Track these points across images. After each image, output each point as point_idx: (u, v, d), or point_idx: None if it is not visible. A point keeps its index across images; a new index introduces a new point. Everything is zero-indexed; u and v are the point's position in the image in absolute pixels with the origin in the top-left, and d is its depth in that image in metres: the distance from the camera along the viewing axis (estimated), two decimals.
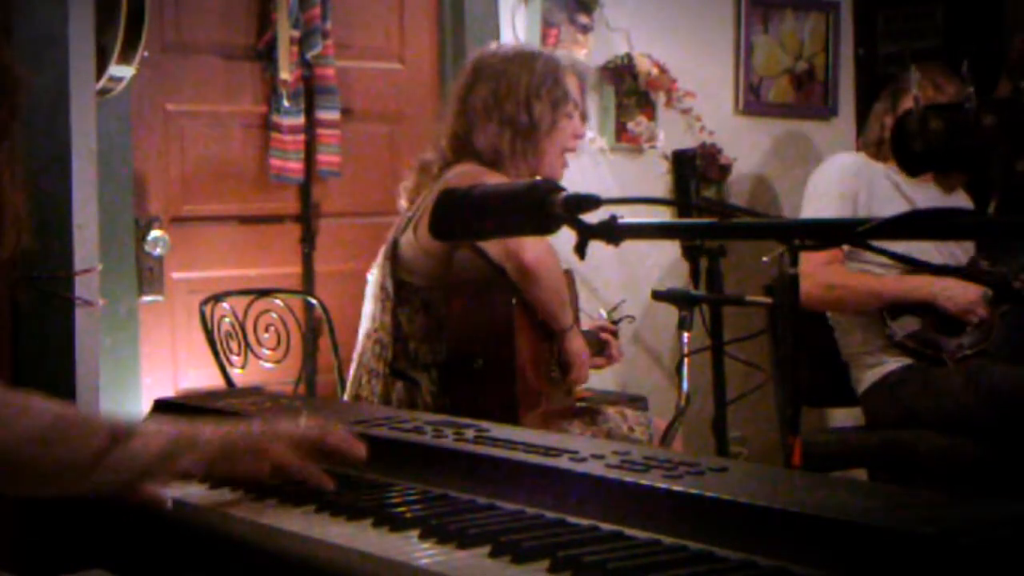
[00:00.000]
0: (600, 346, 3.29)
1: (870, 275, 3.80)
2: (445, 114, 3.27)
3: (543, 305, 3.01)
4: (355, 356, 3.18)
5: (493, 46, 3.36)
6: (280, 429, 1.58)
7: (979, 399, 3.63)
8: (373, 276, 3.17)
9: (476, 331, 3.02)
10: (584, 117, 3.31)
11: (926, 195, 3.90)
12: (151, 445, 1.49)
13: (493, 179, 2.97)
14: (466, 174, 3.03)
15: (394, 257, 3.10)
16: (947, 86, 3.81)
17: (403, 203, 3.25)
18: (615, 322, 3.32)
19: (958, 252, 3.89)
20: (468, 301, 3.04)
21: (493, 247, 2.96)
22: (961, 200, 4.05)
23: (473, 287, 3.03)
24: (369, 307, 3.16)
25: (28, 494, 1.54)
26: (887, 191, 3.87)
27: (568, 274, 3.18)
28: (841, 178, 3.88)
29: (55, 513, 1.69)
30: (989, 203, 3.30)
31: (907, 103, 3.82)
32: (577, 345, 3.11)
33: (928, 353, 3.76)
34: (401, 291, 3.08)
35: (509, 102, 3.14)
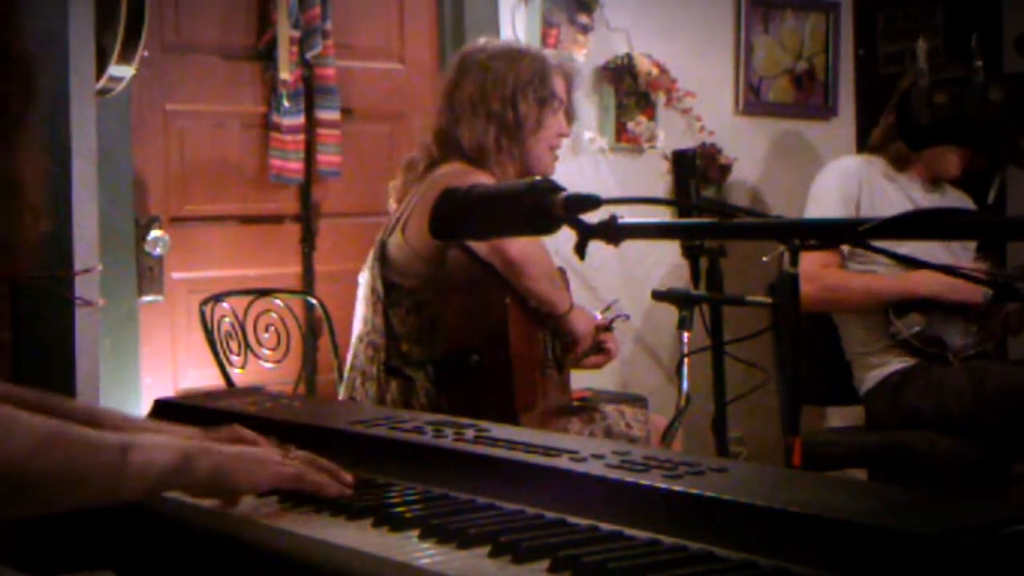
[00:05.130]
0: (597, 345, 3.29)
1: (869, 275, 3.79)
2: (432, 110, 3.28)
3: (536, 295, 3.02)
4: (348, 359, 3.18)
5: (481, 42, 3.34)
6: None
7: (984, 400, 3.62)
8: (364, 278, 3.17)
9: (471, 328, 3.02)
10: (570, 116, 3.30)
11: (931, 199, 3.89)
12: (163, 455, 1.44)
13: (480, 178, 2.97)
14: (453, 173, 3.03)
15: (383, 259, 3.10)
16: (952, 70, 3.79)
17: (392, 204, 3.25)
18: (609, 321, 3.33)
19: (960, 252, 3.88)
20: (462, 299, 3.05)
21: (480, 245, 2.96)
22: (966, 204, 4.04)
23: (467, 285, 3.04)
24: (361, 310, 3.16)
25: (38, 512, 1.47)
26: (890, 194, 3.86)
27: (561, 271, 3.18)
28: (843, 182, 3.87)
29: (63, 513, 1.69)
30: (992, 182, 3.28)
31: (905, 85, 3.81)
32: (581, 325, 3.12)
33: (933, 352, 3.75)
34: (391, 293, 3.08)
35: (495, 98, 3.14)
